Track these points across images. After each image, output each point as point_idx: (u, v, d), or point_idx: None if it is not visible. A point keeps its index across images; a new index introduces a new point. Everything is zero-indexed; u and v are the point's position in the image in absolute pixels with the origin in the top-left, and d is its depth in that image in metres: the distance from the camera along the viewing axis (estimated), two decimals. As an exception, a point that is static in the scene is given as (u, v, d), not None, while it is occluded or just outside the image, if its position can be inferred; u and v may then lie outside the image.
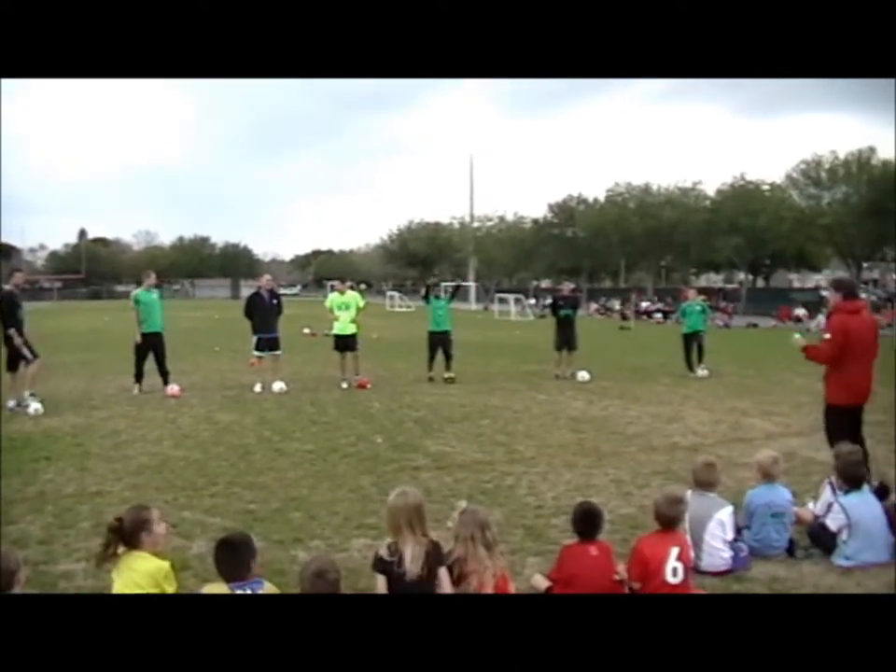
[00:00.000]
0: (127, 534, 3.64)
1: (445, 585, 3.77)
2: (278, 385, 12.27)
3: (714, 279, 72.35)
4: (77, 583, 4.53)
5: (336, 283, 14.34)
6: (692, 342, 15.25)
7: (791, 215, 44.81)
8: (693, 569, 4.49)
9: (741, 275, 57.90)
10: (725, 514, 4.89)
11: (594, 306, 50.98)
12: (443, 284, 17.36)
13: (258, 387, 12.25)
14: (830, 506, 5.28)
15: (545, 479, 7.00)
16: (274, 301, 12.73)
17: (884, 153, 41.40)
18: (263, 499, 6.32)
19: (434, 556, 3.67)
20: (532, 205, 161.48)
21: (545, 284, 73.02)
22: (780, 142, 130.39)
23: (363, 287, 28.02)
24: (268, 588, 3.50)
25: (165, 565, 3.66)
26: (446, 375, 13.68)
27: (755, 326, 36.25)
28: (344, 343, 13.13)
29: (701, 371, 14.87)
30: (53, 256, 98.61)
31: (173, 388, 11.87)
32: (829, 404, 6.53)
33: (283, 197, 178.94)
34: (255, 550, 3.57)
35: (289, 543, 5.25)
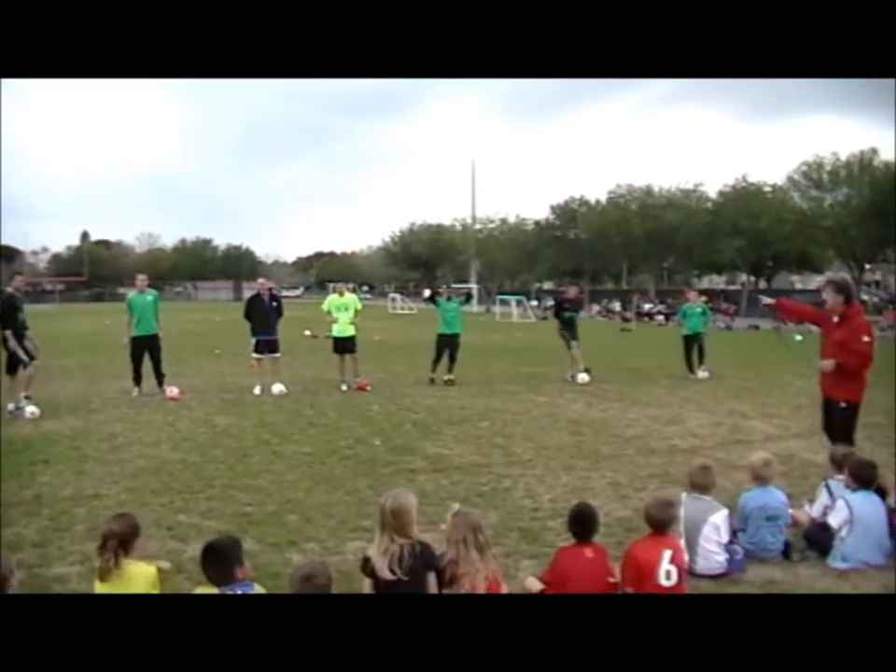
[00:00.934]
0: (123, 542, 3.65)
1: (432, 590, 3.75)
2: (278, 388, 12.28)
3: (717, 281, 72.31)
4: (72, 586, 4.53)
5: (339, 284, 14.39)
6: (692, 343, 15.25)
7: (793, 217, 44.85)
8: (687, 572, 4.48)
9: (743, 277, 57.86)
10: (720, 518, 4.87)
11: (595, 308, 50.94)
12: (454, 286, 17.44)
13: (257, 390, 12.25)
14: (826, 509, 5.27)
15: (542, 481, 6.99)
16: (274, 304, 12.75)
17: (886, 155, 41.51)
18: (259, 502, 6.32)
19: (423, 559, 3.66)
20: (534, 207, 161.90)
21: (547, 286, 73.00)
22: (782, 144, 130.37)
23: (365, 289, 28.11)
24: (258, 591, 3.50)
25: (154, 569, 3.68)
26: (446, 377, 13.69)
27: (757, 328, 36.14)
28: (344, 346, 13.14)
29: (701, 373, 14.86)
30: (56, 258, 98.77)
31: (172, 391, 11.87)
32: (854, 402, 6.48)
33: (285, 199, 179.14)
34: (241, 553, 3.57)
35: (284, 546, 5.25)
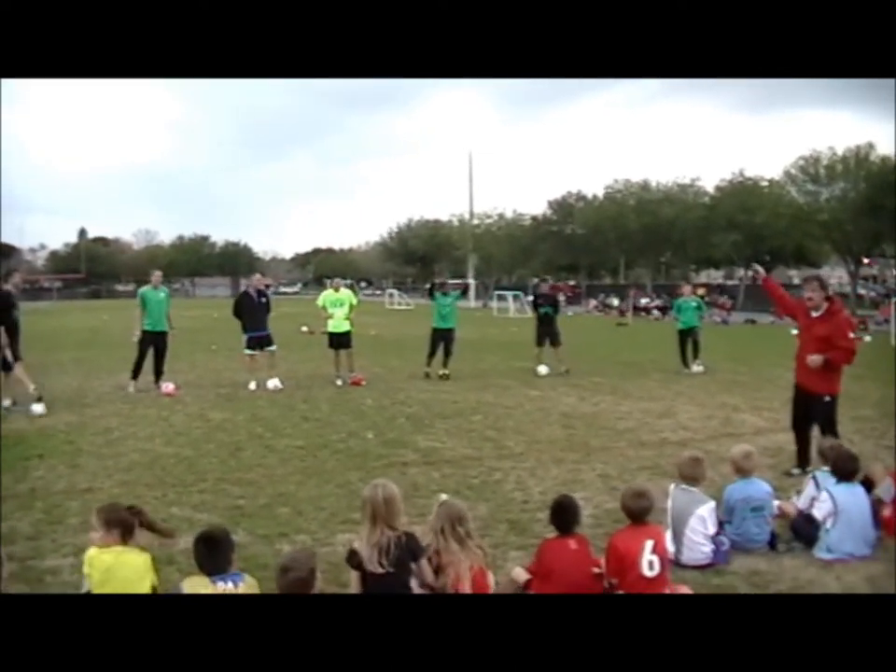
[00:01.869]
0: (126, 528, 3.70)
1: (427, 575, 3.82)
2: (273, 383, 12.32)
3: (714, 276, 72.28)
4: (64, 578, 4.57)
5: (337, 280, 14.44)
6: (686, 338, 15.29)
7: (790, 211, 44.80)
8: (672, 562, 4.53)
9: (741, 272, 57.88)
10: (706, 510, 4.91)
11: (592, 303, 50.95)
12: (450, 282, 17.47)
13: (252, 385, 12.28)
14: (813, 500, 5.32)
15: (533, 474, 7.04)
16: (263, 300, 12.79)
17: (882, 149, 41.41)
18: (251, 495, 6.37)
19: (408, 549, 3.71)
20: (531, 203, 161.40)
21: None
22: (778, 138, 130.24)
23: (363, 285, 28.17)
24: (248, 581, 3.56)
25: (148, 557, 3.74)
26: (441, 371, 13.74)
27: (753, 322, 36.22)
28: (339, 341, 13.19)
29: (696, 367, 14.91)
30: (53, 255, 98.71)
31: (168, 387, 11.90)
32: (836, 395, 6.65)
33: (283, 195, 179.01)
34: (233, 543, 3.63)
35: (274, 538, 5.30)
